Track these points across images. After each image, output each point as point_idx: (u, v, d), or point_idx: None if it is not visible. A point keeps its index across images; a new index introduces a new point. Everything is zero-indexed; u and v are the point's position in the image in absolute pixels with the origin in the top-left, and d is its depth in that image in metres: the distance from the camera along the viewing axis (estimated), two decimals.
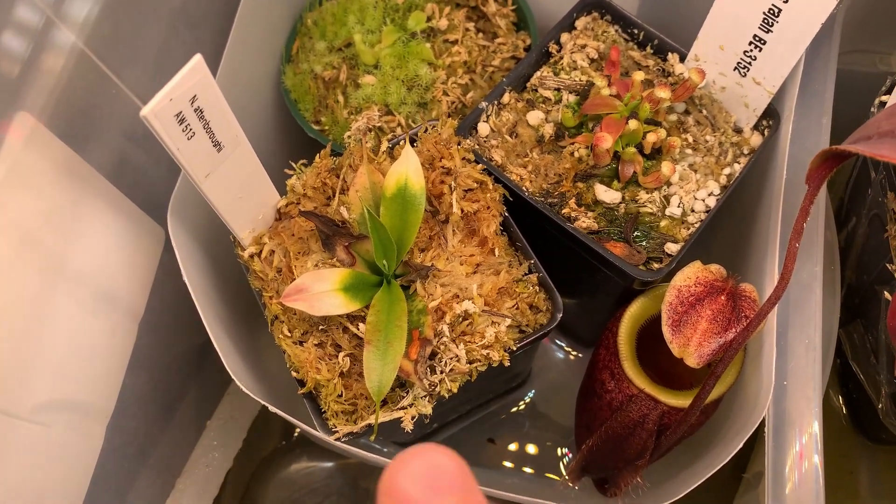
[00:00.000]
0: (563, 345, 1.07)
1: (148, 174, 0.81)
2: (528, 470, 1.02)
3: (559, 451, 1.03)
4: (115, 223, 0.75)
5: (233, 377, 0.70)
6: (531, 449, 1.02)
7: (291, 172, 0.77)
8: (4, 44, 0.61)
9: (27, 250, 0.65)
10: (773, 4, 0.72)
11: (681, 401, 0.75)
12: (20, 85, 0.62)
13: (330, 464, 1.02)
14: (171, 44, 0.81)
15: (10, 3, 0.61)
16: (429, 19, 0.90)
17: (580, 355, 1.06)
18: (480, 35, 0.92)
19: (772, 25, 0.74)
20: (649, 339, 0.79)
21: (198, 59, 0.55)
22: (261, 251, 0.74)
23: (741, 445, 0.68)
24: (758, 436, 0.82)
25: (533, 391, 1.05)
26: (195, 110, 0.58)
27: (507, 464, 1.02)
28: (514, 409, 1.04)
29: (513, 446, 1.03)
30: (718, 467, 0.70)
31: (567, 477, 0.87)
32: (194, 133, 0.59)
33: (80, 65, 0.69)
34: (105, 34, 0.72)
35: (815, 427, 0.70)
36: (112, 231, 0.75)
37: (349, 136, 0.80)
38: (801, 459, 0.70)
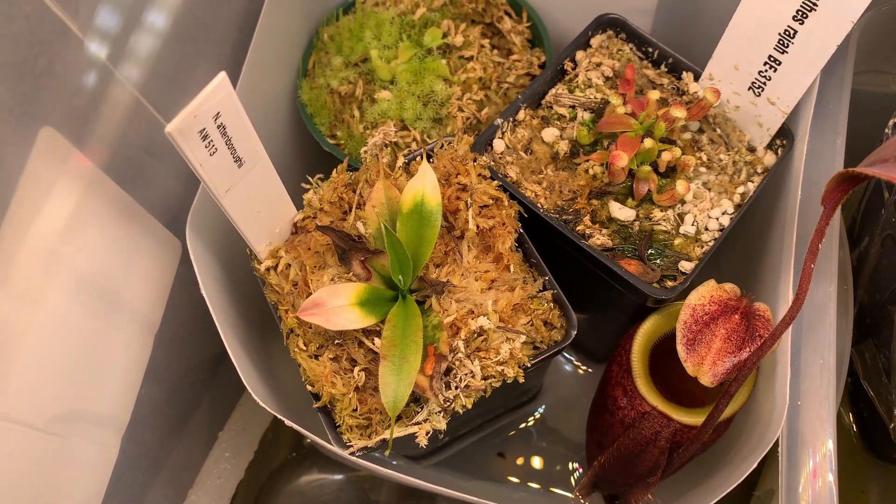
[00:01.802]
0: (574, 360, 1.07)
1: (165, 187, 0.81)
2: (537, 485, 1.02)
3: (570, 466, 1.03)
4: (132, 234, 0.76)
5: (249, 389, 0.71)
6: (541, 464, 1.03)
7: (308, 187, 0.77)
8: (26, 57, 0.61)
9: (49, 263, 0.65)
10: (788, 25, 0.73)
11: (693, 419, 0.75)
12: (43, 99, 0.63)
13: (340, 476, 1.02)
14: (191, 58, 0.82)
15: (33, 13, 0.62)
16: (444, 36, 0.91)
17: (591, 370, 1.06)
18: (495, 52, 0.93)
19: (787, 46, 0.74)
20: (662, 356, 0.80)
21: (222, 76, 0.56)
22: (277, 265, 0.75)
23: (755, 465, 0.68)
24: (767, 454, 0.83)
25: (543, 406, 1.05)
26: (218, 127, 0.58)
27: (517, 479, 1.02)
28: (525, 424, 1.04)
29: (522, 461, 1.03)
30: (732, 486, 0.70)
31: (577, 493, 0.87)
32: (216, 149, 0.60)
33: (101, 79, 0.70)
34: (126, 48, 0.73)
35: (830, 445, 0.71)
36: (129, 242, 0.75)
37: (365, 152, 0.80)
38: (815, 478, 0.70)
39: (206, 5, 0.85)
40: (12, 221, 0.60)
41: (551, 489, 1.01)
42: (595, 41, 0.87)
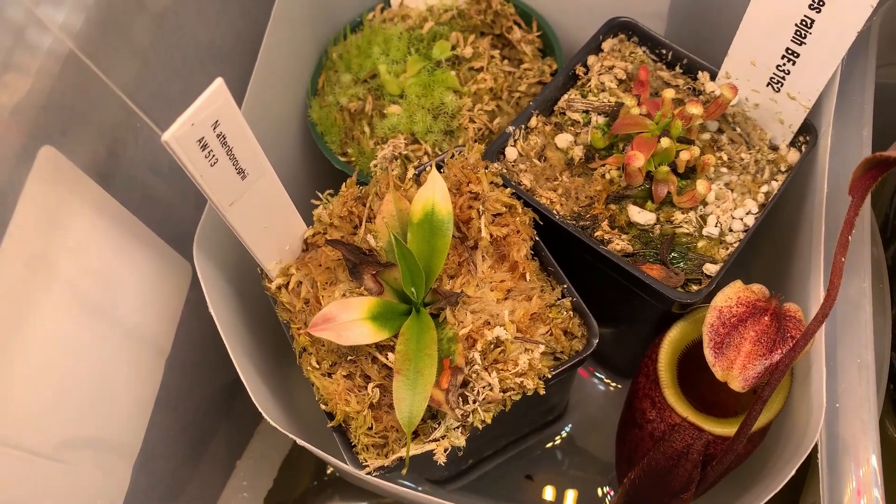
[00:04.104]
0: (601, 376, 1.04)
1: (174, 209, 0.80)
2: None
3: (600, 486, 0.99)
4: (140, 257, 0.74)
5: (261, 411, 0.68)
6: (570, 485, 0.99)
7: (318, 203, 0.76)
8: (26, 75, 0.61)
9: (52, 286, 0.64)
10: (805, 15, 0.70)
11: (726, 429, 0.71)
12: (43, 118, 0.62)
13: None
14: (198, 79, 0.81)
15: (31, 32, 0.61)
16: (453, 48, 0.89)
17: (619, 387, 1.03)
18: (506, 62, 0.92)
19: (805, 37, 0.72)
20: (691, 365, 0.76)
21: (219, 83, 0.55)
22: (288, 282, 0.73)
23: (793, 473, 0.64)
24: (811, 463, 0.78)
25: (570, 425, 1.02)
26: (218, 136, 0.57)
27: (547, 500, 0.98)
28: (551, 444, 1.01)
29: (551, 482, 0.99)
30: (768, 497, 0.67)
31: None
32: (217, 160, 0.58)
33: (105, 100, 0.69)
34: (131, 69, 0.72)
35: (873, 461, 0.66)
36: (138, 265, 0.74)
37: (375, 165, 0.79)
38: (860, 496, 0.66)
39: (213, 27, 0.85)
40: (11, 243, 0.59)
41: None
42: (607, 45, 0.85)
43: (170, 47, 0.77)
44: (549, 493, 0.99)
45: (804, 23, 0.71)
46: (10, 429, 0.60)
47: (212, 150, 0.57)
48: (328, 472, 1.02)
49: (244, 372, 0.71)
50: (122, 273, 0.72)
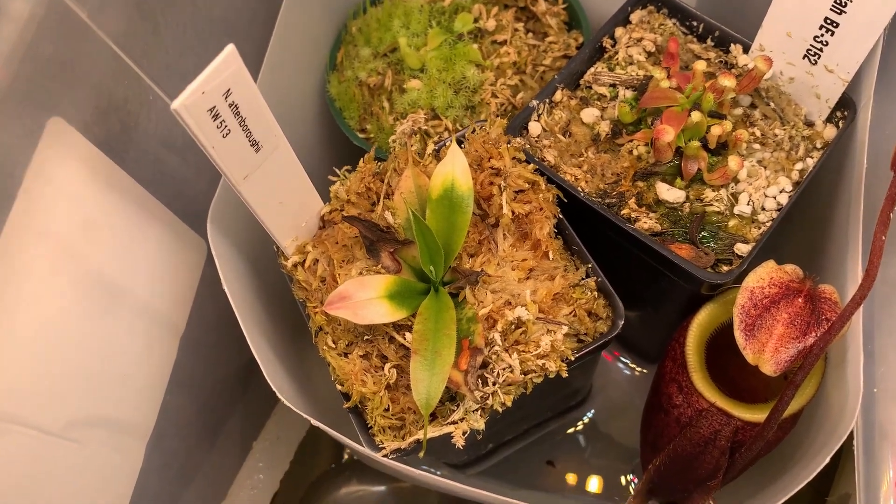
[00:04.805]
0: (625, 360, 1.01)
1: (188, 185, 0.78)
2: (590, 492, 0.96)
3: (623, 473, 0.96)
4: (154, 234, 0.73)
5: (274, 390, 0.67)
6: (593, 471, 0.97)
7: (335, 179, 0.74)
8: (37, 48, 0.59)
9: (63, 262, 0.63)
10: None
11: (756, 415, 0.68)
12: (53, 88, 0.60)
13: (381, 487, 0.98)
14: (212, 53, 0.79)
15: (45, 8, 0.60)
16: (476, 21, 0.87)
17: (644, 371, 1.00)
18: (530, 35, 0.89)
19: (845, 6, 0.68)
20: (720, 349, 0.74)
21: (230, 49, 0.53)
22: (304, 260, 0.71)
23: (827, 461, 0.62)
24: (842, 454, 0.76)
25: (593, 410, 0.99)
26: (230, 105, 0.55)
27: (567, 487, 0.96)
28: (574, 429, 0.99)
29: (573, 468, 0.97)
30: (800, 486, 0.64)
31: (633, 502, 0.81)
32: (230, 130, 0.56)
33: (118, 74, 0.68)
34: (145, 43, 0.70)
35: None
36: (151, 242, 0.72)
37: (394, 140, 0.76)
38: None
39: (228, 2, 0.83)
40: (18, 217, 0.58)
41: (606, 498, 0.95)
42: (635, 17, 0.82)
43: (183, 19, 0.75)
44: (570, 479, 0.97)
45: None
46: (19, 406, 0.59)
47: (224, 121, 0.55)
48: (346, 454, 1.00)
49: (259, 351, 0.70)
50: (135, 250, 0.70)
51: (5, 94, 0.56)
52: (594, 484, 0.97)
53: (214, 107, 0.54)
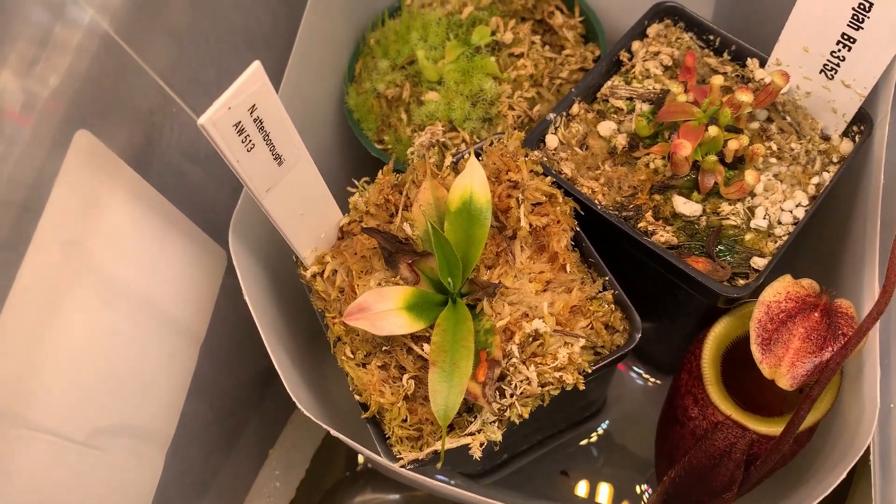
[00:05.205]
0: (640, 371, 1.01)
1: (210, 196, 0.79)
2: (604, 503, 0.96)
3: (638, 484, 0.97)
4: (176, 244, 0.74)
5: (294, 400, 0.68)
6: (607, 482, 0.97)
7: (354, 190, 0.74)
8: (62, 61, 0.60)
9: (86, 272, 0.64)
10: None
11: (772, 428, 0.69)
12: (80, 101, 0.61)
13: (396, 496, 0.98)
14: (233, 65, 0.80)
15: (66, 19, 0.61)
16: (493, 33, 0.87)
17: (658, 382, 1.00)
18: (547, 48, 0.89)
19: (862, 22, 0.69)
20: (736, 362, 0.74)
21: (256, 66, 0.54)
22: (323, 271, 0.72)
23: (844, 476, 0.62)
24: (856, 469, 0.76)
25: (608, 421, 0.99)
26: (255, 120, 0.56)
27: (582, 497, 0.97)
28: (588, 440, 0.99)
29: (587, 479, 0.97)
30: (817, 501, 0.64)
31: None
32: (254, 145, 0.57)
33: (142, 85, 0.69)
34: (168, 53, 0.71)
35: None
36: (173, 252, 0.73)
37: (412, 152, 0.77)
38: None
39: (248, 12, 0.84)
40: (46, 228, 0.59)
41: None
42: (652, 30, 0.82)
43: (205, 31, 0.76)
44: (584, 489, 0.97)
45: (862, 6, 0.68)
46: (46, 415, 0.60)
47: (248, 135, 0.56)
48: (360, 462, 1.01)
49: (278, 360, 0.71)
50: (158, 260, 0.71)
51: (34, 108, 0.57)
52: (608, 494, 0.97)
53: (240, 122, 0.55)
